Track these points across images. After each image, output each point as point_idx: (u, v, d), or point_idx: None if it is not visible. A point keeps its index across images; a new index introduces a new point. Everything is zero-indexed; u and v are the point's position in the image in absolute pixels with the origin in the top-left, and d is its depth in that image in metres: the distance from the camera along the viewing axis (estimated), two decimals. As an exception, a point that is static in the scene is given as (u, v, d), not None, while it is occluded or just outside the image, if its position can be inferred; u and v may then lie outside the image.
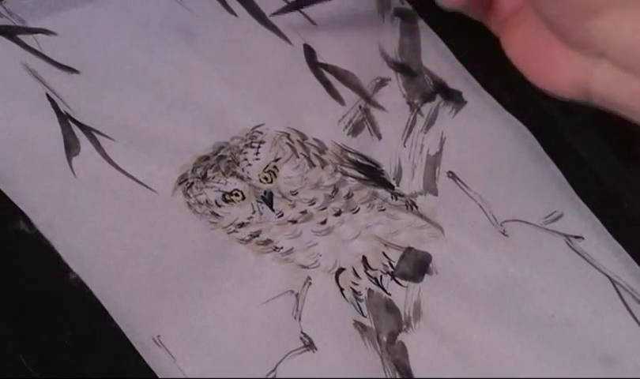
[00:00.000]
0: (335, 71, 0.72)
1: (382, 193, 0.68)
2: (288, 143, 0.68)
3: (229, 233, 0.64)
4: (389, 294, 0.64)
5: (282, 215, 0.65)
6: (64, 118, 0.65)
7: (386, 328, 0.62)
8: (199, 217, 0.64)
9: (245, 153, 0.67)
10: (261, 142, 0.68)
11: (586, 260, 0.67)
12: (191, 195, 0.65)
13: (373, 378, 0.61)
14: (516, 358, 0.62)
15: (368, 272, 0.64)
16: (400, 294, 0.64)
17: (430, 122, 0.73)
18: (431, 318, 0.63)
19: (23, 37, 0.67)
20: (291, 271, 0.63)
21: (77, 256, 0.60)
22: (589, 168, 0.72)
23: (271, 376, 0.59)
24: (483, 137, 0.73)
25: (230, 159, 0.66)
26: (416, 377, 0.61)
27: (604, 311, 0.65)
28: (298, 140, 0.69)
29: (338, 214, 0.66)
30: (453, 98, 0.74)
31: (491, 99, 0.74)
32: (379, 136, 0.71)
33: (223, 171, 0.66)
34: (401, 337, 0.62)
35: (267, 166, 0.67)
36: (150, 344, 0.58)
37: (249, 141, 0.67)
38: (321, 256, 0.64)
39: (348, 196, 0.67)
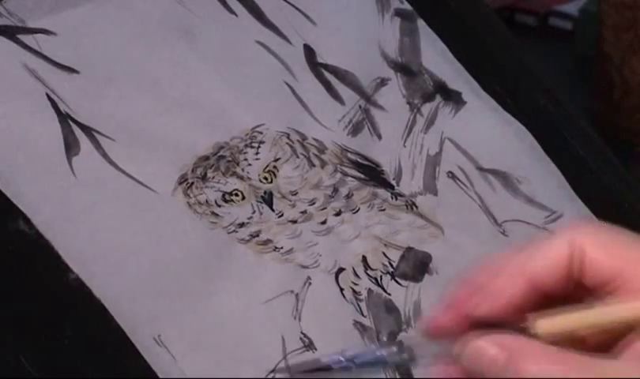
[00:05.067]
0: (335, 71, 0.72)
1: (382, 193, 0.68)
2: (287, 143, 0.68)
3: (229, 233, 0.64)
4: (389, 294, 0.64)
5: (282, 215, 0.65)
6: (64, 118, 0.65)
7: (386, 328, 0.62)
8: (199, 217, 0.64)
9: (245, 153, 0.67)
10: (261, 142, 0.68)
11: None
12: (191, 195, 0.65)
13: (373, 378, 0.61)
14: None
15: (368, 272, 0.64)
16: (400, 294, 0.64)
17: (430, 122, 0.73)
18: (431, 318, 0.63)
19: (23, 37, 0.67)
20: (291, 271, 0.63)
21: (77, 256, 0.60)
22: (589, 168, 0.72)
23: (271, 376, 0.59)
24: (483, 137, 0.73)
25: (230, 159, 0.66)
26: (416, 377, 0.61)
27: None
28: (298, 140, 0.69)
29: (338, 214, 0.66)
30: (453, 98, 0.74)
31: (491, 99, 0.74)
32: (379, 136, 0.71)
33: (223, 171, 0.66)
34: (401, 337, 0.62)
35: (267, 166, 0.67)
36: (151, 344, 0.58)
37: (249, 141, 0.67)
38: (321, 256, 0.64)
39: (348, 196, 0.67)
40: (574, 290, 0.50)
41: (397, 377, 0.61)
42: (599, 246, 0.50)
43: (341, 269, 0.64)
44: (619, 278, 0.49)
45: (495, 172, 0.71)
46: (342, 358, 0.53)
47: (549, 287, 0.50)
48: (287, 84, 0.71)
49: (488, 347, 0.50)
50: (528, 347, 0.50)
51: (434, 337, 0.51)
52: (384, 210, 0.67)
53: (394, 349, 0.52)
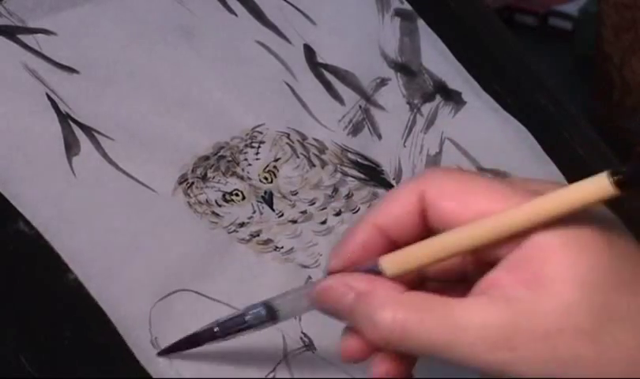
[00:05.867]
0: (335, 71, 0.72)
1: (382, 193, 0.68)
2: (288, 143, 0.68)
3: (229, 233, 0.64)
4: (389, 294, 0.63)
5: (282, 215, 0.65)
6: (64, 118, 0.65)
7: (386, 328, 0.62)
8: (199, 217, 0.64)
9: (245, 153, 0.67)
10: (261, 142, 0.68)
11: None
12: (191, 195, 0.65)
13: (373, 378, 0.61)
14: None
15: (368, 272, 0.64)
16: (401, 294, 0.64)
17: (430, 122, 0.73)
18: (431, 318, 0.63)
19: (23, 37, 0.67)
20: (291, 271, 0.63)
21: (77, 256, 0.60)
22: (589, 168, 0.72)
23: (270, 376, 0.59)
24: (483, 137, 0.73)
25: (230, 159, 0.66)
26: (416, 377, 0.61)
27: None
28: (298, 140, 0.69)
29: (338, 214, 0.66)
30: (453, 98, 0.74)
31: (491, 99, 0.74)
32: (379, 136, 0.71)
33: (223, 171, 0.66)
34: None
35: (267, 166, 0.67)
36: (147, 346, 0.58)
37: (249, 141, 0.67)
38: (321, 255, 0.64)
39: (348, 196, 0.67)
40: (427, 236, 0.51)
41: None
42: (441, 194, 0.50)
43: (341, 269, 0.64)
44: (463, 222, 0.49)
45: (495, 172, 0.71)
46: (216, 329, 0.55)
47: (401, 237, 0.51)
48: (287, 84, 0.71)
49: (335, 287, 0.52)
50: (375, 289, 0.51)
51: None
52: (384, 210, 0.67)
53: (259, 311, 0.54)
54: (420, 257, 0.51)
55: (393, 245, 0.52)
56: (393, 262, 0.51)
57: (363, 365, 0.61)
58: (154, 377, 0.57)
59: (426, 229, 0.51)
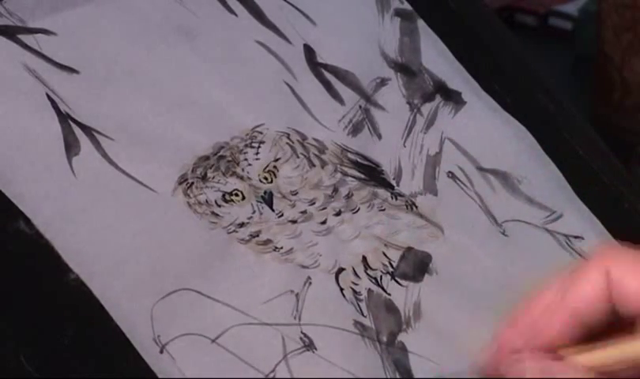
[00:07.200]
0: (335, 71, 0.73)
1: (382, 193, 0.68)
2: (287, 143, 0.68)
3: (229, 233, 0.64)
4: (389, 294, 0.64)
5: (282, 215, 0.65)
6: (64, 118, 0.65)
7: (386, 328, 0.62)
8: (199, 217, 0.64)
9: (245, 153, 0.67)
10: (261, 142, 0.68)
11: (586, 260, 0.67)
12: (191, 195, 0.65)
13: (373, 378, 0.61)
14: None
15: (368, 272, 0.64)
16: (400, 294, 0.64)
17: (429, 122, 0.73)
18: (430, 318, 0.63)
19: (23, 37, 0.67)
20: (291, 271, 0.63)
21: (77, 256, 0.60)
22: (589, 168, 0.72)
23: (270, 376, 0.59)
24: (482, 137, 0.73)
25: (230, 159, 0.66)
26: (415, 377, 0.61)
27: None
28: (298, 140, 0.69)
29: (338, 214, 0.66)
30: (453, 98, 0.74)
31: (490, 99, 0.74)
32: (379, 136, 0.71)
33: (223, 171, 0.66)
34: (401, 337, 0.62)
35: (267, 166, 0.67)
36: (150, 344, 0.58)
37: (249, 141, 0.67)
38: (321, 256, 0.64)
39: (348, 196, 0.67)
40: (611, 316, 0.49)
41: (397, 376, 0.61)
42: (625, 271, 0.48)
43: (341, 269, 0.64)
44: None
45: (494, 172, 0.71)
46: None
47: (590, 320, 0.49)
48: (287, 84, 0.71)
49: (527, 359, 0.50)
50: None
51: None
52: (384, 210, 0.67)
53: None
54: (615, 362, 0.48)
55: (582, 330, 0.49)
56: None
57: (363, 365, 0.61)
58: (158, 375, 0.57)
59: (610, 311, 0.49)
